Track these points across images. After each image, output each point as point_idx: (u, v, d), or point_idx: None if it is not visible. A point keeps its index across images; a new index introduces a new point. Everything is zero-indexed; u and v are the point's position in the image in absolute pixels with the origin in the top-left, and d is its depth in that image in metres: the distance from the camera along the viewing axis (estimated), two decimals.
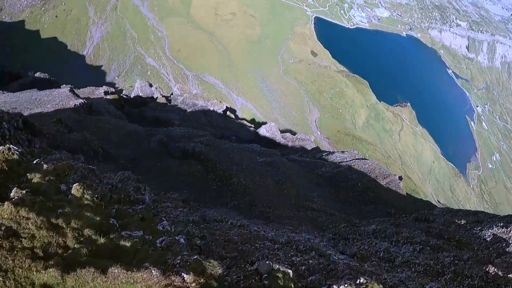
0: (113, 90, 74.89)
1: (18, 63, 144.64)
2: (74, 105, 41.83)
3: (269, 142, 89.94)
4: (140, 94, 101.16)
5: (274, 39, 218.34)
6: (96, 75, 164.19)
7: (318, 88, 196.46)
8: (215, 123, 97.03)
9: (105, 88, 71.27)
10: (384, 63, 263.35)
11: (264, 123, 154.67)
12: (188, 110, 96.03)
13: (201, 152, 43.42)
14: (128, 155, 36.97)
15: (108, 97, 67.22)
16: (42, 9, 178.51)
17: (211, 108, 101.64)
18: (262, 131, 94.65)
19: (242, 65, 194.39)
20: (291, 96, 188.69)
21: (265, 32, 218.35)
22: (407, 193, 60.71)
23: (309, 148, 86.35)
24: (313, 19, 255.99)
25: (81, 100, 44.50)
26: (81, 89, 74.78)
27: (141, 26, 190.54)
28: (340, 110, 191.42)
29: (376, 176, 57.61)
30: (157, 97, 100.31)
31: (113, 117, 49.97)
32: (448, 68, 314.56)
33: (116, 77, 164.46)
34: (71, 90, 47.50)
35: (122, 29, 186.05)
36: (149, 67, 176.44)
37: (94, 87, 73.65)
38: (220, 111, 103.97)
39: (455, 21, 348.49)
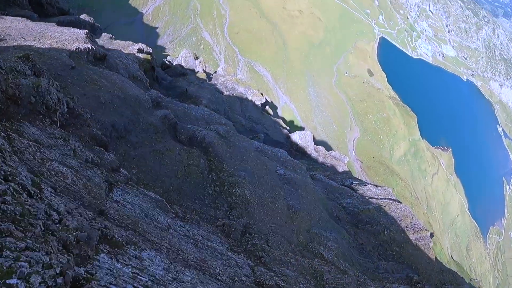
0: (150, 50, 66.02)
1: (75, 3, 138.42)
2: (76, 49, 33.27)
3: (299, 151, 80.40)
4: (183, 64, 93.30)
5: (335, 47, 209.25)
6: (149, 35, 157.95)
7: (366, 108, 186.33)
8: (248, 114, 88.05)
9: (141, 45, 62.35)
10: (437, 102, 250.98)
11: (302, 128, 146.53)
12: (225, 93, 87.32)
13: (211, 143, 33.98)
14: (114, 123, 27.73)
15: (140, 55, 58.73)
16: None
17: (249, 98, 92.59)
18: (295, 137, 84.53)
19: (296, 65, 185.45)
20: (336, 109, 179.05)
21: (327, 38, 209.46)
22: (436, 258, 50.71)
23: (340, 169, 75.84)
24: (378, 39, 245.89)
25: (89, 45, 35.71)
26: (117, 41, 66.62)
27: (206, 0, 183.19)
28: (381, 137, 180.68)
29: (407, 227, 47.83)
30: (198, 71, 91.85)
31: (125, 76, 41.19)
32: (499, 125, 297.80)
33: (168, 43, 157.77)
34: (87, 34, 38.92)
35: None
36: (203, 41, 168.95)
37: (131, 42, 64.86)
38: (258, 103, 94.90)
39: None
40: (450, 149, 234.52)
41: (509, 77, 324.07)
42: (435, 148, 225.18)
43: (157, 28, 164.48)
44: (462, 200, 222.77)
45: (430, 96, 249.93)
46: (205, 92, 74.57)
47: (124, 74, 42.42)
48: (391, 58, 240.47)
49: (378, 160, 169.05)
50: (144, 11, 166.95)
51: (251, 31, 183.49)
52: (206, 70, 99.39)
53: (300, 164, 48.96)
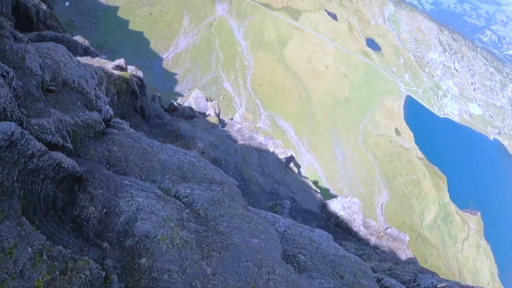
0: (140, 74, 45.82)
1: (94, 42, 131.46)
2: None
3: (340, 226, 53.34)
4: (193, 106, 72.51)
5: (361, 105, 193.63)
6: (166, 81, 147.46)
7: (394, 169, 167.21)
8: (268, 170, 63.68)
9: (123, 62, 41.24)
10: (464, 163, 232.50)
11: (326, 190, 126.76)
12: (240, 142, 64.76)
13: (146, 240, 10.12)
14: None
15: (115, 72, 37.00)
16: (140, 2, 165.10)
17: (271, 150, 68.93)
18: (335, 205, 55.45)
19: (321, 121, 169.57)
20: (363, 169, 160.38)
21: (353, 95, 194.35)
22: None
23: (402, 256, 48.60)
24: (404, 97, 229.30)
25: None
26: (97, 58, 45.35)
27: (230, 50, 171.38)
28: (411, 201, 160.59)
29: None
30: (208, 114, 70.72)
31: (36, 77, 20.04)
32: None
33: (186, 90, 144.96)
34: None
35: (210, 47, 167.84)
36: (224, 92, 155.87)
37: (110, 62, 42.83)
38: (282, 157, 70.78)
39: None
40: (479, 213, 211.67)
41: None
42: (464, 211, 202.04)
43: (176, 74, 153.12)
44: (492, 267, 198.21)
45: (457, 156, 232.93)
46: (208, 135, 52.61)
47: (32, 73, 20.73)
48: (417, 117, 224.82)
49: (409, 227, 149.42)
50: (164, 56, 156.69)
51: (275, 84, 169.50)
52: (220, 116, 78.28)
53: (365, 268, 25.28)
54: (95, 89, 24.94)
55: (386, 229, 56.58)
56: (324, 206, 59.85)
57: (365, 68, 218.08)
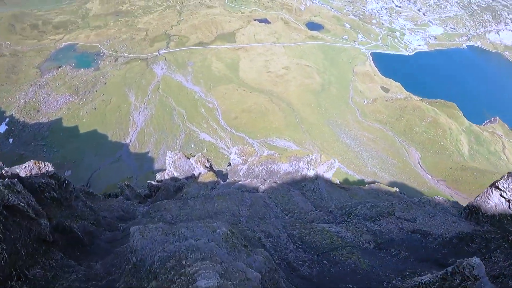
0: (49, 168, 21.69)
1: (54, 162, 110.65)
2: None
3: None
4: (175, 174, 46.87)
5: (338, 84, 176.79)
6: (143, 163, 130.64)
7: (407, 123, 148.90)
8: (331, 207, 29.77)
9: (31, 165, 19.37)
10: (456, 81, 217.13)
11: (362, 181, 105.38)
12: (262, 187, 37.37)
13: None
14: None
15: None
16: (80, 103, 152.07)
17: (310, 174, 37.80)
18: (496, 199, 19.04)
19: (313, 119, 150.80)
20: (380, 141, 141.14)
21: (326, 79, 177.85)
22: None
23: None
24: (370, 55, 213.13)
25: None
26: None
27: (188, 101, 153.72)
28: (442, 143, 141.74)
29: None
30: (199, 174, 45.09)
31: None
32: None
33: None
34: None
35: (167, 109, 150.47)
36: (205, 143, 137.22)
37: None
38: (330, 175, 40.43)
39: (508, 17, 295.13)
40: (497, 117, 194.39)
41: (499, 21, 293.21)
42: (484, 125, 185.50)
43: (148, 152, 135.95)
44: None
45: (447, 79, 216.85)
46: (211, 208, 27.98)
47: None
48: (392, 66, 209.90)
49: (458, 168, 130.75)
50: (127, 141, 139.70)
51: (249, 110, 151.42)
52: (213, 167, 52.25)
53: None
54: None
55: None
56: (474, 212, 22.90)
57: (321, 50, 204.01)
